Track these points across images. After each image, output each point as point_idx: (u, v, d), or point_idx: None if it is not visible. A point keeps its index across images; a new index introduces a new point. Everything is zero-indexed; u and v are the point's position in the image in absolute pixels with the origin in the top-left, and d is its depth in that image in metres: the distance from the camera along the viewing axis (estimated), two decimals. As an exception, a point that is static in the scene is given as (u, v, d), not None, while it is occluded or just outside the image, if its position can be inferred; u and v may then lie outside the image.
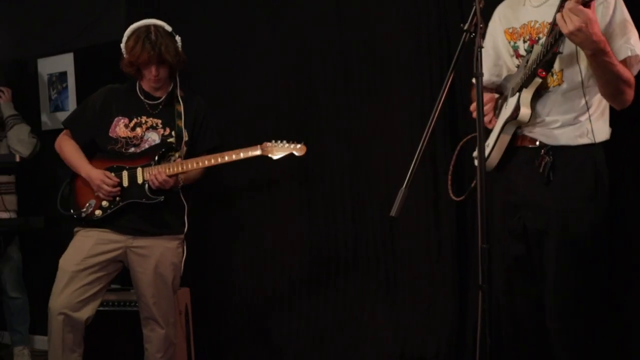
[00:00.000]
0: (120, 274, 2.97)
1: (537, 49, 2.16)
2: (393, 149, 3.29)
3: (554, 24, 2.07)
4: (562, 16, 1.94)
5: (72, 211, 2.91)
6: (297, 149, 2.94)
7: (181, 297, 3.41)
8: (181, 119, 2.93)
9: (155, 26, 2.89)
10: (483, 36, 2.07)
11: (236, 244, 3.80)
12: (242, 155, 2.91)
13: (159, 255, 2.86)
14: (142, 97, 3.00)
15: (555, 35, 2.02)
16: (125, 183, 2.88)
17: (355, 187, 3.44)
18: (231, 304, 3.78)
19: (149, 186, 2.84)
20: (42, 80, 4.48)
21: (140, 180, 2.86)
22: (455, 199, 2.59)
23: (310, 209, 3.57)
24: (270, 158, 2.95)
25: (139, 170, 2.87)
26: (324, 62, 3.50)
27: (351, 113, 3.44)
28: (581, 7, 1.90)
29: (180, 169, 2.83)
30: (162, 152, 2.87)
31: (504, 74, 2.41)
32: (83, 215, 2.88)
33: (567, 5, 1.93)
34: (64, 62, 4.37)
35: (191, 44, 3.87)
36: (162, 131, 2.94)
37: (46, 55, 4.45)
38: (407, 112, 3.25)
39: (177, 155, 2.90)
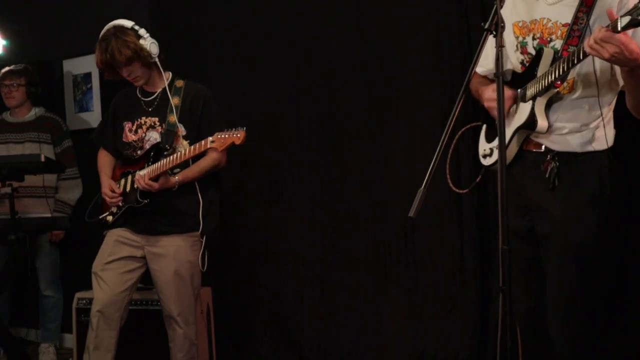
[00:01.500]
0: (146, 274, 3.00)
1: (548, 52, 2.12)
2: (415, 150, 3.27)
3: (571, 29, 2.04)
4: (595, 45, 1.85)
5: (99, 217, 3.03)
6: (236, 137, 2.63)
7: (203, 296, 3.42)
8: (173, 113, 2.89)
9: (109, 28, 2.88)
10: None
11: (258, 244, 3.81)
12: (197, 148, 2.72)
13: (174, 254, 2.87)
14: (140, 97, 3.03)
15: (579, 54, 1.96)
16: (128, 188, 2.93)
17: (377, 188, 3.42)
18: (253, 304, 3.79)
19: (139, 190, 2.85)
20: (68, 81, 4.54)
21: (135, 185, 2.87)
22: (457, 190, 2.56)
23: (332, 209, 3.57)
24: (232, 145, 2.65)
25: (136, 174, 2.89)
26: (344, 62, 3.49)
27: (372, 113, 3.42)
28: (612, 34, 1.81)
29: (158, 171, 2.79)
30: (152, 155, 2.87)
31: (507, 66, 2.32)
32: (102, 221, 2.99)
33: (597, 35, 1.84)
34: (89, 63, 4.40)
35: (211, 41, 3.92)
36: (160, 129, 2.93)
37: (71, 56, 4.51)
38: (429, 112, 3.23)
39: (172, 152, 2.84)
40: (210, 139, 2.64)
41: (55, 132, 4.17)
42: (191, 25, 3.97)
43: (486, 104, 2.31)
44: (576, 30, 2.10)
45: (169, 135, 2.88)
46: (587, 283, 2.14)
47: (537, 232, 2.22)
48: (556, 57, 2.12)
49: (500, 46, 1.86)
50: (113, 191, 2.93)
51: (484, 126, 2.48)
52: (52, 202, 4.08)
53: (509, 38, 2.31)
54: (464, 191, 2.58)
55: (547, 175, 2.15)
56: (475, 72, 2.52)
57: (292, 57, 3.66)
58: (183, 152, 2.75)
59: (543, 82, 2.10)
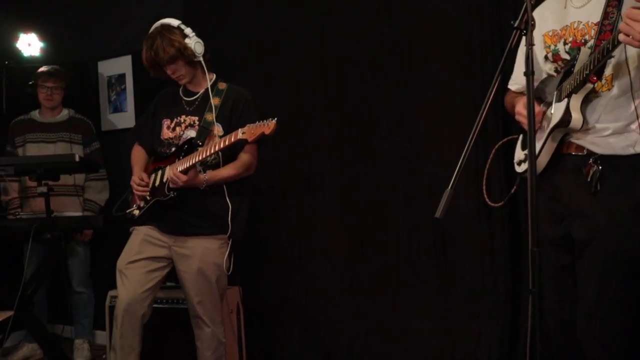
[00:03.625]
0: (172, 272, 3.02)
1: (584, 52, 2.06)
2: (445, 149, 3.24)
3: (601, 24, 1.99)
4: (625, 27, 1.80)
5: (126, 211, 3.04)
6: (266, 127, 2.57)
7: (232, 296, 3.45)
8: (212, 112, 2.90)
9: (156, 27, 2.91)
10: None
11: (288, 245, 3.82)
12: (228, 140, 2.68)
13: (200, 255, 2.88)
14: (182, 96, 3.05)
15: (614, 41, 1.92)
16: (157, 182, 2.93)
17: (408, 188, 3.40)
18: (282, 303, 3.81)
19: (167, 184, 2.86)
20: (102, 82, 4.62)
21: (165, 179, 2.89)
22: (492, 204, 2.51)
23: (362, 209, 3.56)
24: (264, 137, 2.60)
25: (166, 169, 2.90)
26: (373, 61, 3.48)
27: (402, 113, 3.40)
28: None
29: (187, 164, 2.77)
30: (185, 149, 2.86)
31: (539, 78, 2.29)
32: (128, 215, 3.00)
33: (626, 13, 1.80)
34: (123, 64, 4.48)
35: (239, 42, 3.94)
36: (198, 128, 2.94)
37: (106, 57, 4.58)
38: (460, 112, 3.20)
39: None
40: (240, 130, 2.61)
41: (86, 133, 4.25)
42: (221, 26, 3.99)
43: (517, 118, 2.28)
44: (607, 24, 2.04)
45: (204, 132, 2.89)
46: (629, 292, 2.07)
47: (575, 238, 2.15)
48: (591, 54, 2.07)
49: (530, 44, 1.83)
50: (142, 180, 2.94)
51: (520, 136, 2.44)
52: (82, 201, 4.16)
53: (539, 49, 2.26)
54: (499, 204, 2.53)
55: (589, 179, 2.09)
56: (509, 90, 2.49)
57: (321, 56, 3.66)
58: (213, 144, 2.73)
59: (578, 77, 2.05)
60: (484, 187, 2.55)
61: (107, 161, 4.43)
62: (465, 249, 3.20)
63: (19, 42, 4.51)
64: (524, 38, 2.12)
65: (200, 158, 2.73)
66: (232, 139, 2.64)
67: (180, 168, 2.77)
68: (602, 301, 2.09)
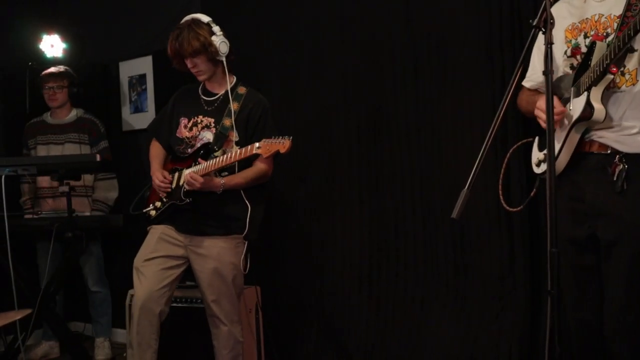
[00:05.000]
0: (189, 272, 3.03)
1: (602, 45, 2.03)
2: (466, 150, 3.21)
3: (624, 16, 1.95)
4: None
5: (142, 210, 3.06)
6: (282, 146, 2.59)
7: (251, 296, 3.46)
8: (230, 117, 2.90)
9: (187, 19, 2.93)
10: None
11: (307, 245, 3.82)
12: (243, 153, 2.70)
13: (216, 255, 2.88)
14: (201, 95, 3.05)
15: (636, 25, 1.89)
16: (174, 184, 2.94)
17: (426, 188, 3.38)
18: (300, 303, 3.81)
19: (183, 189, 2.86)
20: (123, 83, 4.66)
21: (181, 182, 2.89)
22: (510, 209, 2.48)
23: (381, 210, 3.54)
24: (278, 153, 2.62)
25: (183, 172, 2.91)
26: (393, 61, 3.46)
27: (421, 112, 3.38)
28: None
29: (204, 171, 2.79)
30: (201, 154, 2.87)
31: (556, 75, 2.26)
32: (145, 215, 3.02)
33: None
34: (144, 65, 4.52)
35: (261, 43, 3.95)
36: (214, 130, 2.94)
37: (127, 58, 4.63)
38: (480, 112, 3.16)
39: (221, 154, 2.85)
40: (257, 144, 2.63)
41: (92, 132, 4.27)
42: (243, 26, 4.00)
43: (536, 113, 2.24)
44: (630, 17, 2.01)
45: (221, 138, 2.89)
46: None
47: (601, 239, 2.12)
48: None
49: (549, 43, 1.81)
50: (165, 178, 2.95)
51: (537, 138, 2.41)
52: (91, 201, 4.20)
53: (558, 46, 2.23)
54: (518, 209, 2.50)
55: (614, 179, 2.06)
56: (523, 88, 2.46)
57: (341, 57, 3.65)
58: (229, 155, 2.75)
59: (597, 69, 2.02)
60: (499, 192, 2.52)
61: (128, 161, 4.47)
62: (484, 249, 3.17)
63: (42, 43, 4.56)
64: (539, 36, 2.10)
65: (216, 167, 2.76)
66: (247, 153, 2.67)
67: (196, 172, 2.79)
68: (631, 303, 2.06)
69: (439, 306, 3.33)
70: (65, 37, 4.62)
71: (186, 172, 2.85)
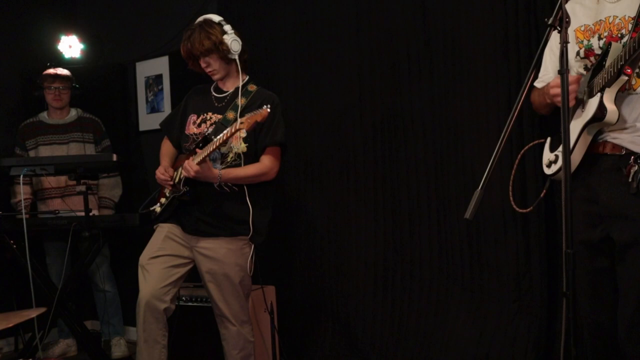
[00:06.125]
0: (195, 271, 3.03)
1: (617, 46, 2.01)
2: (481, 148, 3.19)
3: (638, 17, 1.93)
4: None
5: (150, 208, 3.07)
6: (259, 115, 2.61)
7: (267, 295, 3.46)
8: (235, 110, 2.89)
9: (199, 20, 2.94)
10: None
11: (322, 244, 3.82)
12: (229, 132, 2.68)
13: (222, 256, 2.88)
14: (213, 92, 3.06)
15: None
16: (176, 179, 2.95)
17: (441, 188, 3.37)
18: (316, 303, 3.81)
19: (182, 180, 2.87)
20: (140, 83, 4.69)
21: (182, 176, 2.90)
22: (520, 210, 2.46)
23: (396, 209, 3.53)
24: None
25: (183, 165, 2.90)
26: (408, 58, 3.45)
27: (437, 111, 3.37)
28: None
29: (199, 157, 2.76)
30: (200, 145, 2.85)
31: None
32: (153, 213, 3.03)
33: None
34: (160, 65, 4.55)
35: (277, 43, 3.96)
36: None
37: (144, 58, 4.66)
38: (495, 110, 3.15)
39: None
40: (240, 120, 2.63)
41: (96, 131, 4.30)
42: (259, 26, 4.02)
43: (552, 92, 2.21)
44: None
45: (220, 129, 2.86)
46: None
47: (615, 240, 2.10)
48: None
49: (565, 42, 1.80)
50: (166, 171, 2.95)
51: (548, 139, 2.39)
52: (97, 199, 4.22)
53: (570, 48, 2.20)
54: (528, 210, 2.48)
55: (630, 180, 2.03)
56: (534, 88, 2.44)
57: (357, 55, 3.64)
58: (219, 137, 2.72)
59: (612, 70, 2.00)
60: (510, 192, 2.50)
61: (145, 160, 4.49)
62: (500, 250, 3.15)
63: (60, 44, 4.62)
64: (552, 35, 2.08)
65: (209, 151, 2.73)
66: (233, 130, 2.66)
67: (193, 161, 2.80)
68: None
69: (455, 307, 3.31)
70: (83, 38, 4.67)
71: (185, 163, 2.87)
